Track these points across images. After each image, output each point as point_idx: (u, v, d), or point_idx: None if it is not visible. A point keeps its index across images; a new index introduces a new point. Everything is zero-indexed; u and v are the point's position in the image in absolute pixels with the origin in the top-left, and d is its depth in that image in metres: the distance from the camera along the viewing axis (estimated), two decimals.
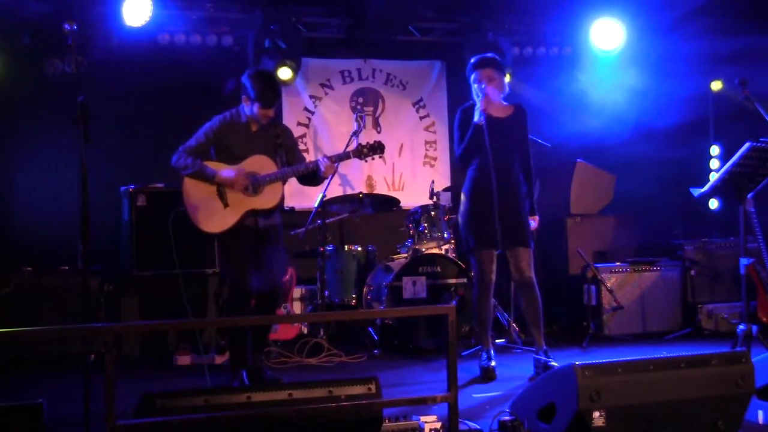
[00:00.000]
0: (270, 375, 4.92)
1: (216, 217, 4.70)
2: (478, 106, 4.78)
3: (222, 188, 4.71)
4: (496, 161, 4.72)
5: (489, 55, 5.02)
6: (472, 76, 4.91)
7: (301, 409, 2.86)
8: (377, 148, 5.05)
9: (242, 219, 4.71)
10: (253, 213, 4.74)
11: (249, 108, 4.77)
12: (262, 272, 4.79)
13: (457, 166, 4.97)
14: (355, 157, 5.00)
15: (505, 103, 4.95)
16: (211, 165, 4.72)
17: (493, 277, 4.88)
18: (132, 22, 6.15)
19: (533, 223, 4.99)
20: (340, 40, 7.48)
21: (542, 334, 4.92)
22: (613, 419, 2.94)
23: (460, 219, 5.01)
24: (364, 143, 5.05)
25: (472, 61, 4.97)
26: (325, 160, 4.79)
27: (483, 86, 4.80)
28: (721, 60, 6.82)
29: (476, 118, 4.78)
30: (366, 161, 5.14)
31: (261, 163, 4.76)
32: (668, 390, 3.04)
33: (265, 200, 4.76)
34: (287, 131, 5.09)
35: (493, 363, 4.87)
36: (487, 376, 4.81)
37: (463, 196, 4.97)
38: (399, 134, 7.77)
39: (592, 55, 7.40)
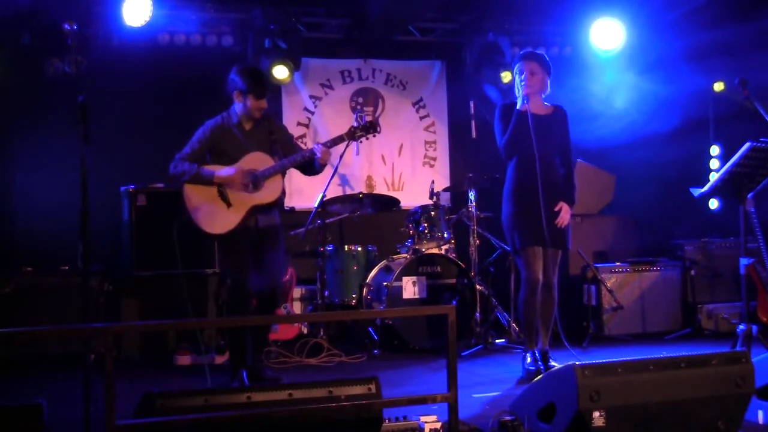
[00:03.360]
0: (270, 375, 4.92)
1: (220, 218, 4.69)
2: (521, 93, 4.79)
3: (223, 189, 4.71)
4: (539, 154, 4.69)
5: (538, 51, 5.16)
6: (516, 67, 4.90)
7: (301, 409, 2.87)
8: (370, 128, 5.03)
9: (246, 217, 4.71)
10: (256, 210, 4.74)
11: (242, 103, 4.76)
12: (262, 272, 4.78)
13: (502, 158, 4.94)
14: (348, 139, 4.98)
15: (546, 103, 4.96)
16: (208, 167, 4.72)
17: (541, 276, 4.82)
18: (132, 22, 6.14)
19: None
20: (340, 40, 7.48)
21: (549, 335, 4.95)
22: (613, 419, 2.94)
23: (504, 220, 4.92)
24: (356, 125, 5.03)
25: (520, 52, 5.02)
26: (320, 146, 4.78)
27: (523, 77, 4.81)
28: (722, 60, 6.80)
29: (519, 105, 4.79)
30: (361, 141, 5.14)
31: (258, 160, 4.75)
32: (668, 390, 3.05)
33: (266, 194, 4.75)
34: (281, 127, 5.10)
35: (540, 367, 4.79)
36: (531, 379, 4.62)
37: (505, 196, 4.91)
38: (399, 134, 7.76)
39: (592, 55, 7.40)
